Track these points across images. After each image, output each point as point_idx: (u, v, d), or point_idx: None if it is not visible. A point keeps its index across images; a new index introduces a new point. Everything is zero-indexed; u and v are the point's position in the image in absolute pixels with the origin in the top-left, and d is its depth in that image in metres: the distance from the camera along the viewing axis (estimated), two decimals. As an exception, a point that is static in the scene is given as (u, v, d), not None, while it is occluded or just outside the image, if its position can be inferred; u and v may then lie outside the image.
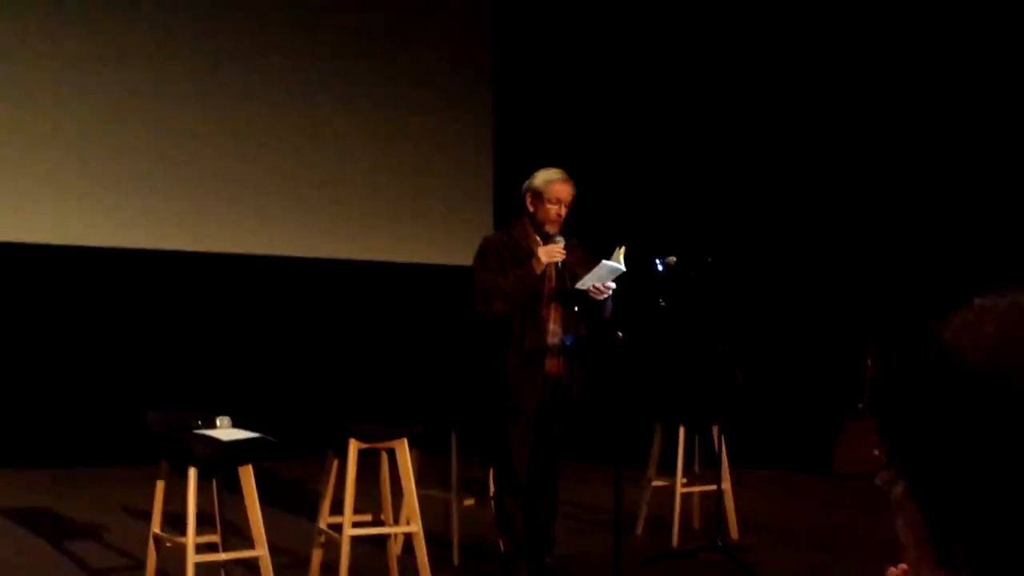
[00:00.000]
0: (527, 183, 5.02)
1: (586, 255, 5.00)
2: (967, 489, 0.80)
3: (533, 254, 4.89)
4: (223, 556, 4.63)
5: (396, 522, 5.19)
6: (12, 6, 8.24)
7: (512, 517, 4.98)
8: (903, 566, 0.92)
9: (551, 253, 4.85)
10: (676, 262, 5.31)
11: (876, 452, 0.87)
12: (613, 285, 4.88)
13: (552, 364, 4.92)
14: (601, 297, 4.85)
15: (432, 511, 5.61)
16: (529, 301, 4.87)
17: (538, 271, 4.83)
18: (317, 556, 5.02)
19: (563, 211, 4.96)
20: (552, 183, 4.96)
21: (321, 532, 5.00)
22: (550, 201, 4.93)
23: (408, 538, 5.14)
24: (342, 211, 9.51)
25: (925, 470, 0.83)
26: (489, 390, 4.93)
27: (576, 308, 4.96)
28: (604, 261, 4.82)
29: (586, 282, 4.82)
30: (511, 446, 4.91)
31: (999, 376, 0.80)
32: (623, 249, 4.83)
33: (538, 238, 4.96)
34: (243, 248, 9.04)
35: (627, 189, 9.54)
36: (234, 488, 4.55)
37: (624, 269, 4.81)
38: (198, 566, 4.41)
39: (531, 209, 4.97)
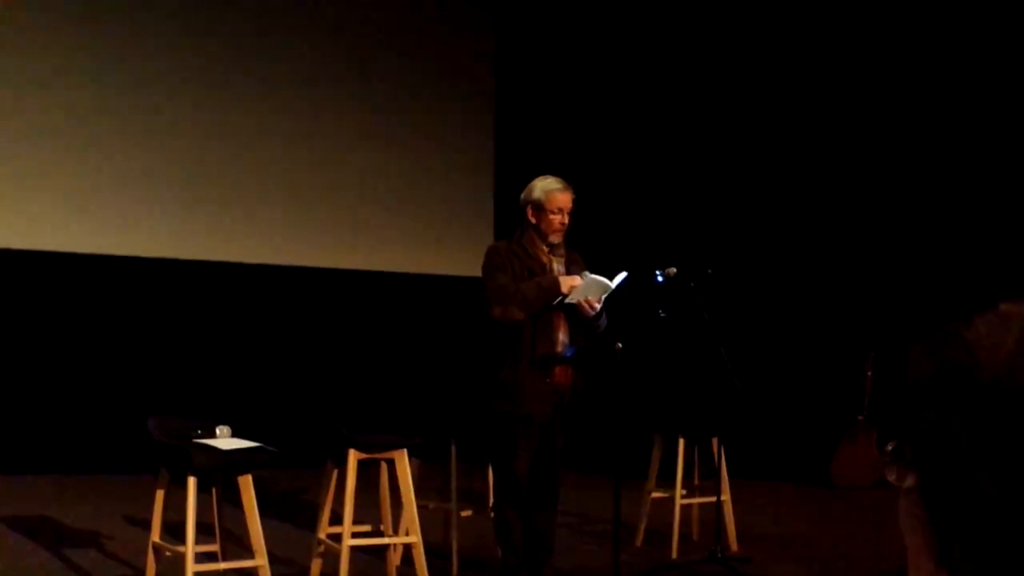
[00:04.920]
0: (525, 195, 4.98)
1: (583, 270, 4.98)
2: (973, 489, 0.80)
3: (542, 264, 4.88)
4: (222, 565, 4.62)
5: (395, 532, 5.19)
6: (17, 8, 8.26)
7: (511, 527, 4.95)
8: None
9: (573, 282, 4.82)
10: (676, 273, 5.32)
11: (888, 448, 0.88)
12: (599, 304, 4.84)
13: (561, 374, 4.90)
14: (591, 313, 4.83)
15: (431, 521, 5.62)
16: (542, 311, 4.83)
17: (564, 289, 4.80)
18: (316, 566, 5.02)
19: (566, 219, 4.94)
20: (552, 192, 4.92)
21: (320, 542, 5.00)
22: (552, 211, 4.90)
23: (407, 548, 5.13)
24: (342, 221, 9.51)
25: (934, 467, 0.83)
26: (497, 399, 4.88)
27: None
28: (587, 274, 4.80)
29: (575, 296, 4.79)
30: (517, 456, 4.88)
31: (1014, 384, 0.81)
32: (624, 275, 4.79)
33: (545, 248, 4.95)
34: (244, 257, 9.05)
35: (628, 199, 9.55)
36: (234, 497, 4.54)
37: (612, 287, 4.77)
38: (197, 575, 4.41)
39: (534, 220, 4.93)
